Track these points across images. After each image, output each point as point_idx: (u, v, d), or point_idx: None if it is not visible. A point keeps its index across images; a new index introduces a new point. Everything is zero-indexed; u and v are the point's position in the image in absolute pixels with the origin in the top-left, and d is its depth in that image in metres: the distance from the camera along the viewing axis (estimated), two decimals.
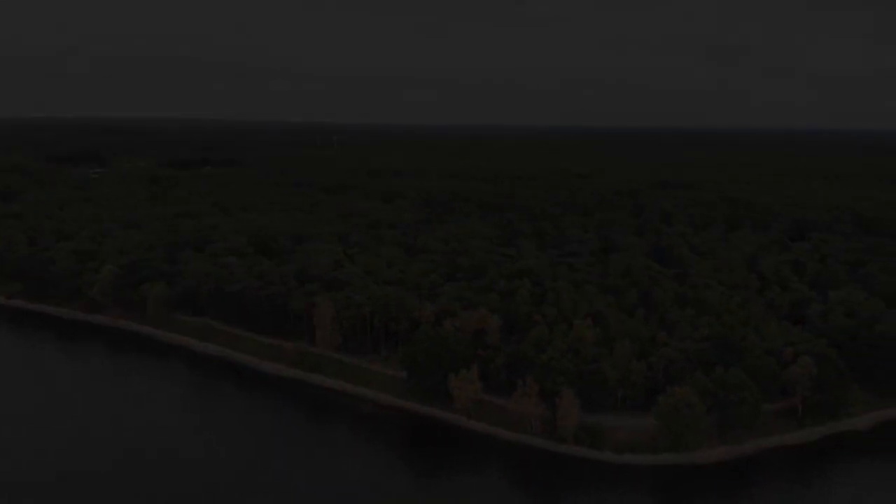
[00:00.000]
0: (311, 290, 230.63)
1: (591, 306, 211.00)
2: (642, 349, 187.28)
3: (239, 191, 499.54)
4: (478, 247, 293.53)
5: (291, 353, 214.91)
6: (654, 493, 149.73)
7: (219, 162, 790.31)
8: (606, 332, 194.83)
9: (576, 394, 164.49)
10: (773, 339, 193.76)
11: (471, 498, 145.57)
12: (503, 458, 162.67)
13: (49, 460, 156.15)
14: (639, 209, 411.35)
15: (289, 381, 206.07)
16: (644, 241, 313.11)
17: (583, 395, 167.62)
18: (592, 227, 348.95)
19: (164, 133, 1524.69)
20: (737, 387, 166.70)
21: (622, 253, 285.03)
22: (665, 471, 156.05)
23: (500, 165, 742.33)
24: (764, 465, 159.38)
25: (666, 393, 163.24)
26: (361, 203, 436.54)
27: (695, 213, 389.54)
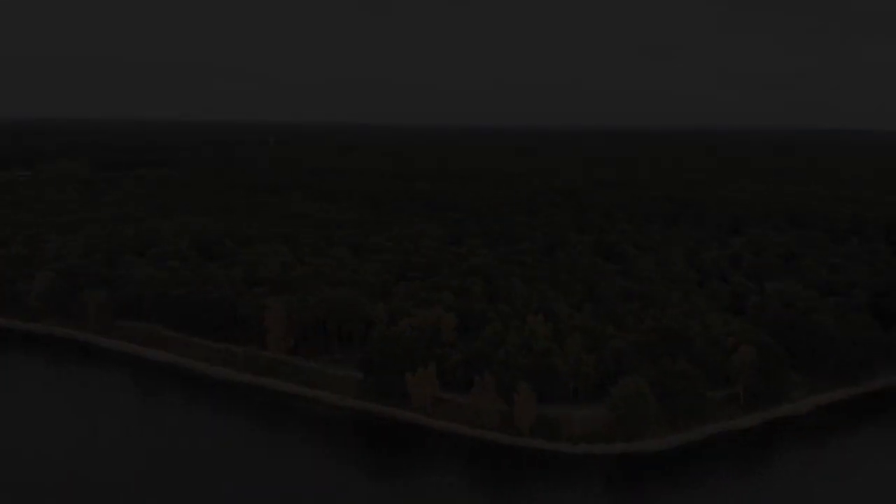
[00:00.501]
0: (261, 293, 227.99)
1: (541, 302, 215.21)
2: (592, 342, 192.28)
3: (177, 193, 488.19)
4: (428, 246, 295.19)
5: (242, 357, 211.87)
6: (610, 481, 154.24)
7: (153, 163, 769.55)
8: (557, 326, 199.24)
9: (530, 387, 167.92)
10: (715, 330, 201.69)
11: (432, 494, 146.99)
12: (462, 453, 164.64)
13: None
14: (580, 207, 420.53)
15: (241, 387, 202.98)
16: (588, 238, 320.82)
17: (536, 387, 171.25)
18: (538, 225, 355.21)
19: (92, 134, 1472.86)
20: (683, 376, 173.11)
21: (568, 250, 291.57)
22: (619, 459, 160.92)
23: (440, 166, 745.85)
24: (712, 450, 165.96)
25: (617, 384, 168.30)
26: (306, 204, 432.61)
27: (634, 211, 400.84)
